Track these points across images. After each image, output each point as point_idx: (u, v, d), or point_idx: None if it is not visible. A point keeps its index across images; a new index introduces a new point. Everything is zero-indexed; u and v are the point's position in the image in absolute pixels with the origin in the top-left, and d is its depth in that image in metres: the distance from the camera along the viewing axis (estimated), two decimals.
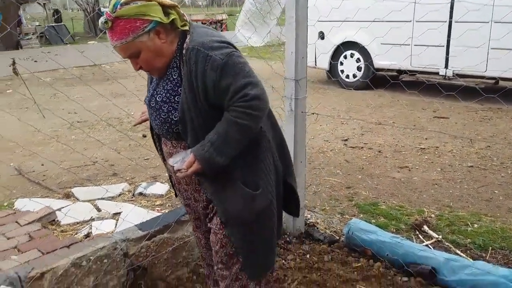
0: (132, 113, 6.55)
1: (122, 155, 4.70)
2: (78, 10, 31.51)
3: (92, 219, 3.27)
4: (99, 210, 3.42)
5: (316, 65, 8.75)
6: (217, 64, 1.51)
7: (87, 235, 3.05)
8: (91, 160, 4.62)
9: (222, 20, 22.12)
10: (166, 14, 1.55)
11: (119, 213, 3.32)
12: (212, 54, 1.52)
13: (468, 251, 2.87)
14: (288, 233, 3.06)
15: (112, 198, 3.66)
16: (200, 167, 1.58)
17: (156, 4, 1.51)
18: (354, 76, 8.37)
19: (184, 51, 1.58)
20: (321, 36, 8.37)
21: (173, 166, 1.62)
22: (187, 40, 1.59)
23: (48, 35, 19.04)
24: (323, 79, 9.35)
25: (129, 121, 6.44)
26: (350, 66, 8.40)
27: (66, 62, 11.34)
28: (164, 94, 1.65)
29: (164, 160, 1.86)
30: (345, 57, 8.39)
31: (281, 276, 2.59)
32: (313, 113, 3.33)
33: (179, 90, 1.62)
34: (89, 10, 21.05)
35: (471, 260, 2.69)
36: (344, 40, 7.99)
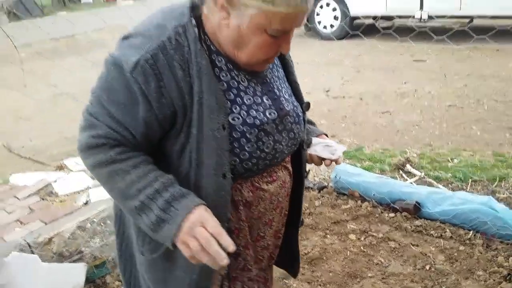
0: None
1: None
2: None
3: (88, 187, 3.35)
4: (93, 178, 3.51)
5: None
6: None
7: (86, 203, 3.14)
8: None
9: None
10: None
11: None
12: None
13: (450, 185, 3.05)
14: None
15: None
16: None
17: None
18: (332, 26, 8.35)
19: None
20: None
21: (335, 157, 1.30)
22: None
23: (15, 10, 18.38)
24: (301, 32, 9.31)
25: None
26: (326, 16, 8.36)
27: (39, 36, 11.06)
28: (290, 94, 1.23)
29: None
30: (321, 7, 8.34)
31: None
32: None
33: (287, 82, 1.26)
34: None
35: (452, 192, 2.87)
36: None
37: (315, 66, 6.47)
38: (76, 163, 3.83)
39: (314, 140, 1.32)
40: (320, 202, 2.96)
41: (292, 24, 0.99)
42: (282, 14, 0.95)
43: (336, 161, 1.29)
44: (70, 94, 6.29)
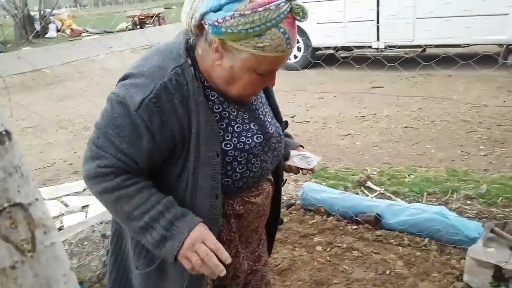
0: (82, 113, 6.58)
1: (79, 154, 4.80)
2: (5, 17, 29.96)
3: (62, 214, 3.41)
4: (67, 205, 3.57)
5: None
6: None
7: (60, 229, 3.19)
8: (49, 162, 4.70)
9: (159, 14, 21.92)
10: None
11: (87, 206, 3.48)
12: None
13: (407, 198, 3.28)
14: None
15: (77, 194, 3.80)
16: None
17: None
18: (295, 57, 8.72)
19: None
20: None
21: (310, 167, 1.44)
22: None
23: None
24: None
25: (80, 121, 6.48)
26: None
27: (3, 71, 11.00)
28: (272, 117, 1.38)
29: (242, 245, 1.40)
30: None
31: None
32: None
33: (269, 104, 1.42)
34: (18, 15, 20.19)
35: (409, 204, 3.09)
36: None
37: (281, 94, 6.73)
38: (49, 191, 3.88)
39: (292, 152, 1.46)
40: (289, 218, 3.12)
41: (279, 64, 1.14)
42: (270, 57, 1.08)
43: (312, 170, 1.45)
44: (38, 127, 6.31)
